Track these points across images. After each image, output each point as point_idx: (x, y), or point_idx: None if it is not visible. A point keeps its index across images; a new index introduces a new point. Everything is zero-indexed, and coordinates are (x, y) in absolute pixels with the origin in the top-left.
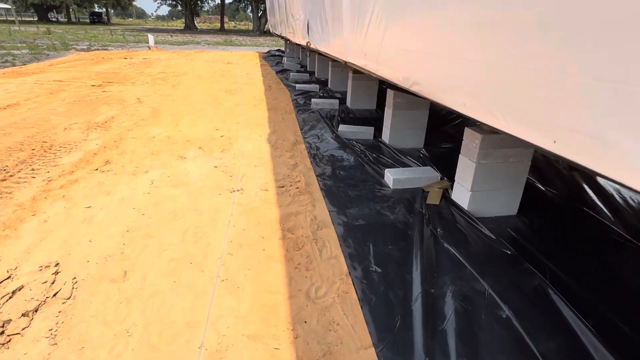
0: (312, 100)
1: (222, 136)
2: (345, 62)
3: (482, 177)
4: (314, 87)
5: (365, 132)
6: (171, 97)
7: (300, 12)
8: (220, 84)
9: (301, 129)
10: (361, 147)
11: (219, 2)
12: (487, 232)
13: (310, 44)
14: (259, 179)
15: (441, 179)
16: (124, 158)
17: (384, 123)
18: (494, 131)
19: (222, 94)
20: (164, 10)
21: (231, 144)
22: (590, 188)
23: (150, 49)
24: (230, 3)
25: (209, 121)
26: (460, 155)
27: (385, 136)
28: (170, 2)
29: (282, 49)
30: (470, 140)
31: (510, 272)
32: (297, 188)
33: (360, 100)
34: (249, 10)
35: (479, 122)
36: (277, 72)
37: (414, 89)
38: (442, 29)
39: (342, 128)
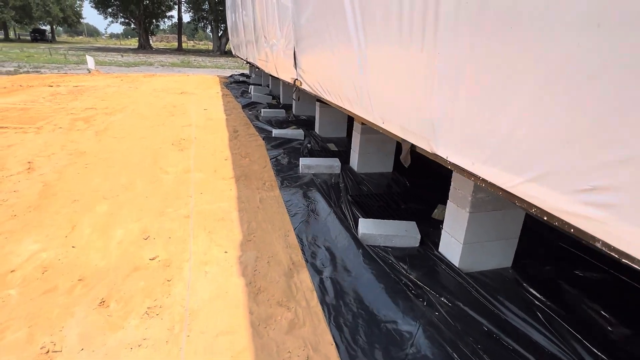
0: (301, 160)
1: (153, 259)
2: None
3: None
4: (297, 133)
5: (407, 235)
6: (86, 158)
7: (278, 34)
8: (167, 129)
9: (295, 226)
10: (409, 273)
11: (177, 21)
12: None
13: (300, 84)
14: None
15: None
16: None
17: (448, 230)
18: None
19: (166, 149)
20: (119, 28)
21: (169, 286)
22: None
23: (89, 72)
24: (188, 22)
25: (135, 215)
26: None
27: (452, 252)
28: (123, 20)
29: (247, 72)
30: None
31: None
32: None
33: (372, 161)
34: (208, 30)
35: None
36: (243, 107)
37: None
38: None
39: (367, 228)
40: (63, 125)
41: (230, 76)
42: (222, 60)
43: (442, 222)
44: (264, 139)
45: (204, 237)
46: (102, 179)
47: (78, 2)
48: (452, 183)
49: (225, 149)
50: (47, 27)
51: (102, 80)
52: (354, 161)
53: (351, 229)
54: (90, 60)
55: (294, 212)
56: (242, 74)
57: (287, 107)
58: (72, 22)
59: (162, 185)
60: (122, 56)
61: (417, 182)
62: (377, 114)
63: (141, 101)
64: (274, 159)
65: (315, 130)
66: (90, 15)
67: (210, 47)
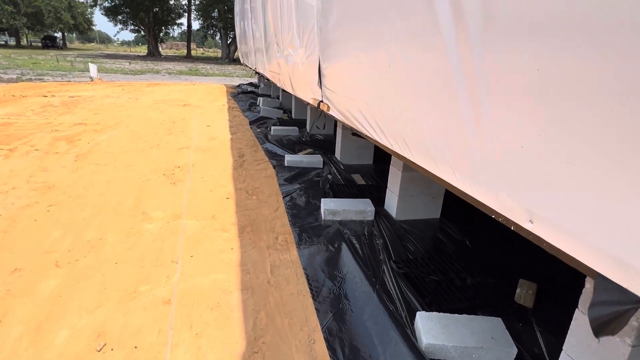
0: (323, 203)
1: None
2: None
3: None
4: (315, 160)
5: (495, 347)
6: (52, 196)
7: (297, 42)
8: (161, 152)
9: (323, 323)
10: None
11: (186, 29)
12: None
13: (327, 109)
14: None
15: None
16: None
17: (577, 357)
18: None
19: (156, 182)
20: (130, 35)
21: None
22: None
23: (92, 80)
24: (197, 30)
25: (92, 299)
26: None
27: None
28: (133, 27)
29: (255, 81)
30: None
31: None
32: None
33: (415, 205)
34: (217, 37)
35: None
36: (251, 123)
37: None
38: None
39: (433, 336)
40: (41, 146)
41: (238, 86)
42: (230, 68)
43: (531, 309)
44: (274, 168)
45: (189, 343)
46: (63, 231)
47: (89, 9)
48: (587, 284)
49: (227, 181)
50: (59, 34)
51: (102, 89)
52: (392, 204)
53: (406, 328)
54: (92, 68)
55: (320, 293)
56: (251, 84)
57: (300, 123)
58: (83, 29)
59: (141, 241)
60: (129, 63)
61: (474, 234)
62: (512, 196)
63: (138, 115)
64: (288, 198)
65: (336, 155)
66: (103, 23)
67: (219, 55)
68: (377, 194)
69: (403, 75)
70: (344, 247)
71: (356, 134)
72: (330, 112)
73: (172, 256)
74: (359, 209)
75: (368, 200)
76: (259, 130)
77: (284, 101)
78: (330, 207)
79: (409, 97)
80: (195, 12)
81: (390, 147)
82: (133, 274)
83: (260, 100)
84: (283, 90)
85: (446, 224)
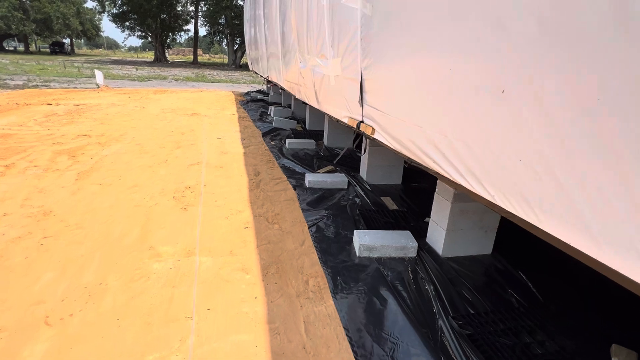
0: (358, 237)
1: None
2: None
3: None
4: (338, 180)
5: None
6: (48, 225)
7: (329, 51)
8: (169, 170)
9: None
10: None
11: (193, 35)
12: None
13: (371, 132)
14: None
15: None
16: None
17: None
18: None
19: (164, 207)
20: (138, 41)
21: None
22: None
23: (98, 87)
24: (204, 36)
25: None
26: None
27: None
28: (140, 34)
29: (263, 88)
30: None
31: None
32: None
33: (465, 240)
34: (224, 43)
35: None
36: (264, 134)
37: None
38: None
39: None
40: (40, 162)
41: (247, 93)
42: (237, 74)
43: None
44: (294, 189)
45: None
46: (56, 273)
47: (97, 15)
48: None
49: (244, 206)
50: (67, 40)
51: (108, 97)
52: (437, 239)
53: None
54: (99, 75)
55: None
56: (259, 91)
57: (316, 135)
58: (91, 35)
59: (147, 287)
60: (136, 69)
61: (536, 275)
62: None
63: (145, 126)
64: (315, 228)
65: (361, 174)
66: (110, 29)
67: (226, 61)
68: (414, 222)
69: (532, 105)
70: (389, 296)
71: (416, 167)
72: (377, 137)
73: (185, 309)
74: (399, 244)
75: (408, 232)
76: (272, 143)
77: (297, 110)
78: (366, 242)
79: (542, 140)
80: (202, 18)
81: (490, 199)
82: (139, 336)
83: (272, 109)
84: (295, 99)
85: (501, 262)
